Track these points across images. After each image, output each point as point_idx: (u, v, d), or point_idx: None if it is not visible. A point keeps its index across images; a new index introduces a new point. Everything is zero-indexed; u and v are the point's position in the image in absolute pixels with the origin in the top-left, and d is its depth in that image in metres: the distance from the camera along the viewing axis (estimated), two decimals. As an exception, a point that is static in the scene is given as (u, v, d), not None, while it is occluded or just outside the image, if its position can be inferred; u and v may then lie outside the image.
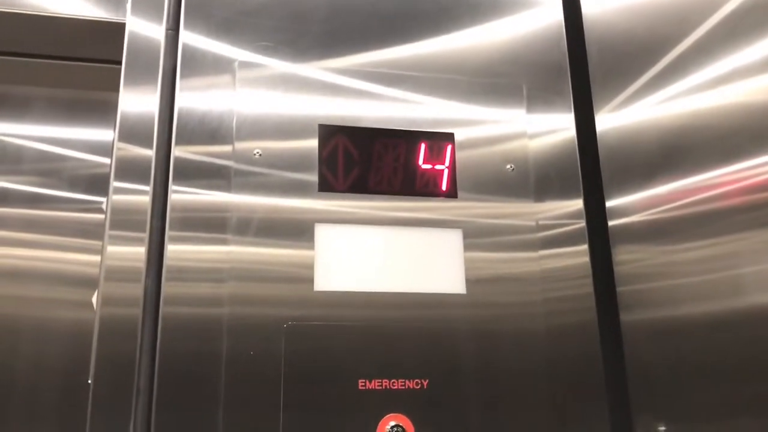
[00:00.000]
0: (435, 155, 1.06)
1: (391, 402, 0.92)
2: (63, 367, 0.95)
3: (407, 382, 0.94)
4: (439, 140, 1.06)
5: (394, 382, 0.93)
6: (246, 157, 0.98)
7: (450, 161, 1.06)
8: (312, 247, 0.96)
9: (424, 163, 1.05)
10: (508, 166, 1.08)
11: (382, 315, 0.96)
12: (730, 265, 0.80)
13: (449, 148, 1.06)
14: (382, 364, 0.94)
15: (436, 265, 1.00)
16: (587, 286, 1.02)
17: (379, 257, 0.99)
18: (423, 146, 1.05)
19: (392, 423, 0.91)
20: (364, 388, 0.92)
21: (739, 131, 0.80)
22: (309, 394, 0.90)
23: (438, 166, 1.05)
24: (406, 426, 0.91)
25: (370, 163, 1.03)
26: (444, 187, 1.04)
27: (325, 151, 1.02)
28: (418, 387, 0.94)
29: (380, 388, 0.92)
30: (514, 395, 0.96)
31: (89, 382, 0.83)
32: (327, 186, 1.00)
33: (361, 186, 1.02)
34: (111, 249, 0.89)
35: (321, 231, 0.98)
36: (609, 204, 1.03)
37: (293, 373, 0.90)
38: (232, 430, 0.87)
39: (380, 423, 0.91)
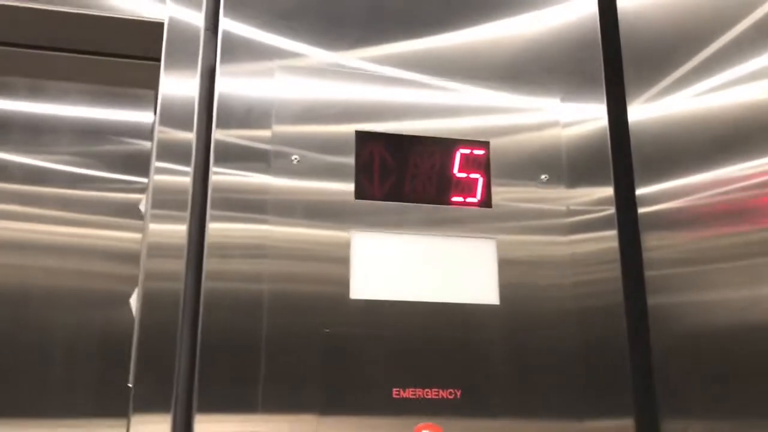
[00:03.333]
0: (470, 164, 1.05)
1: (424, 411, 0.95)
2: (101, 337, 1.01)
3: (441, 391, 0.96)
4: (475, 149, 1.06)
5: (428, 392, 0.96)
6: (285, 142, 0.99)
7: (485, 170, 1.05)
8: (347, 229, 0.98)
9: (459, 171, 1.05)
10: (543, 176, 1.07)
11: (416, 324, 0.98)
12: (759, 253, 0.82)
13: (485, 156, 1.06)
14: (416, 373, 0.96)
15: (469, 274, 1.01)
16: (615, 270, 1.05)
17: (414, 266, 1.00)
18: (458, 155, 1.05)
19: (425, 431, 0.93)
20: (398, 396, 0.94)
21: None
22: (345, 394, 0.93)
23: (473, 175, 1.05)
24: None
25: (406, 170, 1.03)
26: (479, 197, 1.04)
27: (362, 157, 1.02)
28: (452, 397, 0.96)
29: (414, 396, 0.95)
30: (545, 401, 0.98)
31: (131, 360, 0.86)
32: (363, 194, 1.01)
33: (396, 194, 1.02)
34: (153, 227, 0.93)
35: (357, 238, 0.98)
36: (639, 192, 1.05)
37: (330, 374, 0.93)
38: (271, 403, 0.91)
39: (413, 431, 0.93)
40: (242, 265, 0.94)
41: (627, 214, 1.07)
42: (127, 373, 0.89)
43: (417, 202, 1.02)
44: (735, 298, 0.86)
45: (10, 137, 1.05)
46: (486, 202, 1.04)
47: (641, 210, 1.04)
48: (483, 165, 1.06)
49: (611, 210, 1.07)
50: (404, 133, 1.04)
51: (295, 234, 0.97)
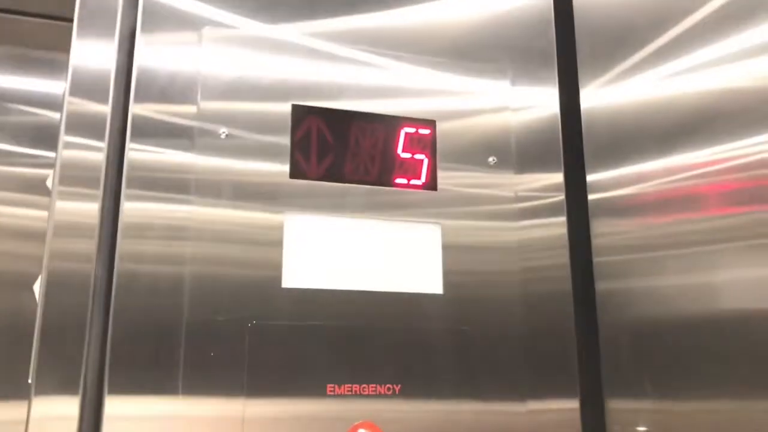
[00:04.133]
0: (415, 144, 0.99)
1: (361, 408, 0.89)
2: (7, 320, 0.93)
3: (379, 387, 0.90)
4: (421, 127, 0.99)
5: (365, 388, 0.89)
6: (211, 120, 0.91)
7: (431, 150, 0.99)
8: (282, 212, 0.91)
9: (403, 151, 0.98)
10: (491, 159, 1.02)
11: (353, 315, 0.91)
12: (709, 240, 0.82)
13: (430, 136, 1.00)
14: (353, 368, 0.90)
15: (412, 262, 0.95)
16: (563, 257, 1.01)
17: (353, 252, 0.93)
18: (403, 133, 0.98)
19: (361, 431, 0.88)
20: (333, 393, 0.88)
21: (731, 113, 0.80)
22: (273, 391, 0.86)
23: (417, 156, 0.99)
24: None
25: (347, 148, 0.96)
26: (423, 179, 0.98)
27: (298, 133, 0.94)
28: (390, 393, 0.90)
29: (350, 393, 0.89)
30: (490, 382, 0.94)
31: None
32: (299, 173, 0.93)
33: (335, 173, 0.95)
34: (61, 204, 0.85)
35: (291, 221, 0.91)
36: (590, 178, 1.02)
37: (257, 363, 0.86)
38: (193, 386, 0.84)
39: (349, 431, 0.87)
40: (161, 247, 0.86)
41: (577, 200, 1.03)
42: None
43: (357, 183, 0.95)
44: (684, 285, 0.85)
45: None
46: (431, 184, 0.98)
47: (591, 196, 1.01)
48: (429, 145, 0.99)
49: (560, 196, 1.03)
50: (345, 108, 0.97)
51: (222, 215, 0.89)
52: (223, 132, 0.91)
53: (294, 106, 0.95)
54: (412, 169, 0.98)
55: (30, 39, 0.96)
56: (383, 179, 0.96)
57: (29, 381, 0.79)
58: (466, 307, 0.95)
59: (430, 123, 1.00)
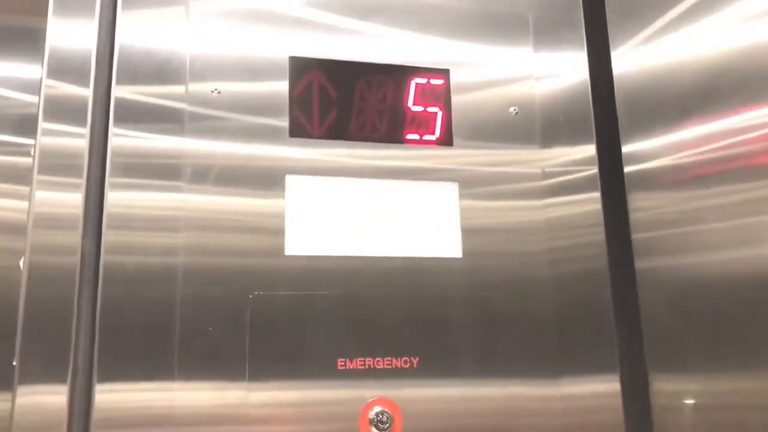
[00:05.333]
0: (427, 96, 0.90)
1: (375, 384, 0.81)
2: None
3: (394, 360, 0.82)
4: (433, 77, 0.91)
5: (379, 361, 0.82)
6: (202, 99, 0.83)
7: (444, 103, 0.90)
8: (282, 197, 0.83)
9: (414, 104, 0.89)
10: (512, 109, 0.93)
11: (363, 283, 0.83)
12: (755, 211, 0.75)
13: (444, 87, 0.91)
14: (365, 340, 0.82)
15: (427, 224, 0.87)
16: (598, 234, 0.92)
17: (361, 215, 0.85)
18: (413, 85, 0.90)
19: (377, 408, 0.80)
20: (344, 368, 0.80)
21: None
22: (277, 370, 0.79)
23: (430, 109, 0.90)
24: (393, 411, 0.80)
25: (351, 104, 0.87)
26: (437, 133, 0.89)
27: (297, 89, 0.86)
28: (407, 366, 0.82)
29: (363, 367, 0.81)
30: (518, 359, 0.86)
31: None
32: (300, 131, 0.85)
33: (339, 131, 0.87)
34: (40, 195, 0.79)
35: (293, 184, 0.83)
36: (625, 149, 0.93)
37: (259, 342, 0.79)
38: (189, 372, 0.77)
39: (363, 409, 0.80)
40: (154, 214, 0.80)
41: (611, 173, 0.94)
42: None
43: (364, 141, 0.87)
44: (728, 258, 0.78)
45: None
46: (446, 139, 0.89)
47: (628, 169, 0.92)
48: (442, 97, 0.90)
49: (593, 170, 0.94)
50: (348, 60, 0.89)
51: (218, 179, 0.82)
52: (215, 90, 0.84)
53: (292, 59, 0.87)
54: (424, 124, 0.89)
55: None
56: (393, 136, 0.88)
57: (13, 363, 0.74)
58: (488, 271, 0.87)
59: (444, 72, 0.91)
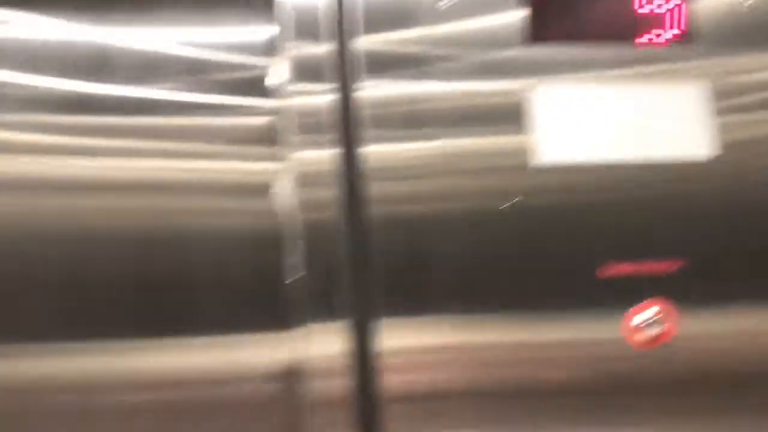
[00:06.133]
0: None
1: (639, 290, 0.79)
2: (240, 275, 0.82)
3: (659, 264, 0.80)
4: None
5: (641, 266, 0.80)
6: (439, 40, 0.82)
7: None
8: (526, 124, 0.81)
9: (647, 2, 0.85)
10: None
11: (617, 188, 0.81)
12: None
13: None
14: (626, 244, 0.80)
15: (677, 127, 0.83)
16: None
17: (608, 121, 0.82)
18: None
19: (651, 310, 0.77)
20: (606, 276, 0.79)
21: None
22: (538, 288, 0.78)
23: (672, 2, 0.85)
24: (668, 313, 0.78)
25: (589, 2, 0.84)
26: (679, 29, 0.85)
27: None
28: (675, 268, 0.80)
29: (624, 274, 0.79)
30: None
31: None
32: (541, 36, 0.82)
33: (580, 33, 0.83)
34: (299, 154, 0.79)
35: (538, 94, 0.81)
36: None
37: (516, 261, 0.78)
38: (462, 322, 0.77)
39: (630, 313, 0.78)
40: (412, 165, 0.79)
41: None
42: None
43: (606, 41, 0.83)
44: None
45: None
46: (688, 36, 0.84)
47: None
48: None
49: None
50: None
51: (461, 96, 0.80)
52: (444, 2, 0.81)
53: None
54: (658, 21, 0.84)
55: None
56: (631, 34, 0.84)
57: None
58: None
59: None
